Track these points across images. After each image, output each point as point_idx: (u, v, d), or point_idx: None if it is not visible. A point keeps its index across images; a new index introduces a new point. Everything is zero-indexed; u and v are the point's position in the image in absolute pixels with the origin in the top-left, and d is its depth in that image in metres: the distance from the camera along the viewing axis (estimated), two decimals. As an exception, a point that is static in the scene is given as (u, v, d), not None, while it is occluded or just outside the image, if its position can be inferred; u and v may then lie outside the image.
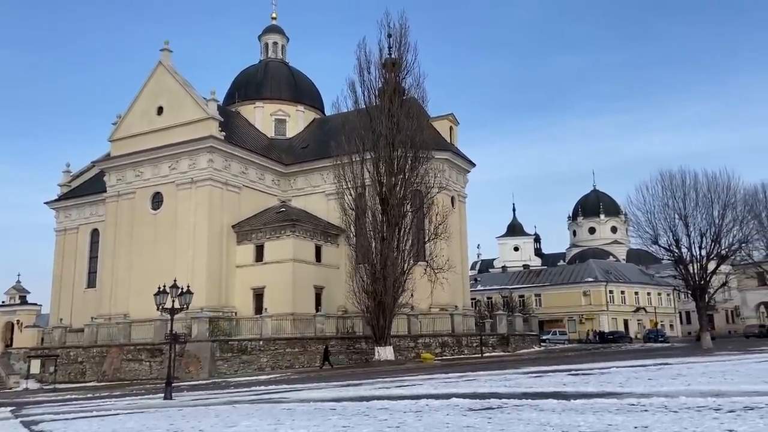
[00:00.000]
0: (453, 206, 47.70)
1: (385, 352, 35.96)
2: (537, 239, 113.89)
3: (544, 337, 62.21)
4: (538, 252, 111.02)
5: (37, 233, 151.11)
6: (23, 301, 48.01)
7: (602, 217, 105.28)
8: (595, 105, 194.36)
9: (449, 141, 50.28)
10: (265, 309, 40.14)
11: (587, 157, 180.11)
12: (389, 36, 38.36)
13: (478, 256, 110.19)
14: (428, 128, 41.94)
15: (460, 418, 11.26)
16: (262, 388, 24.34)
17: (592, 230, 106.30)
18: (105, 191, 47.81)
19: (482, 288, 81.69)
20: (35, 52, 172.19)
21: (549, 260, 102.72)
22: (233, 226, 44.63)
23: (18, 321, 46.33)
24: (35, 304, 48.76)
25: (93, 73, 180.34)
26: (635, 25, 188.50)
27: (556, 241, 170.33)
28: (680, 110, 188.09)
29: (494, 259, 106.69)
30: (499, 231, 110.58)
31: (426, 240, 40.05)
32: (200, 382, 31.85)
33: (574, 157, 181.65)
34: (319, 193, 48.61)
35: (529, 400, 13.34)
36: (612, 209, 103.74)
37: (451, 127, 51.48)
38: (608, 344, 59.66)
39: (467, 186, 52.72)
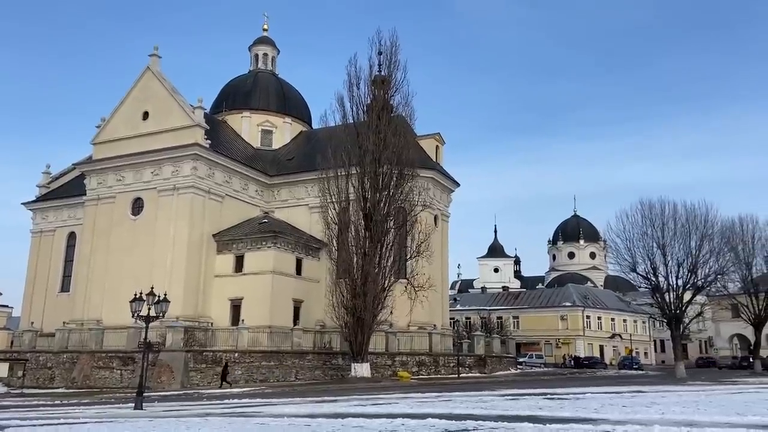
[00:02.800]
0: (436, 225, 47.82)
1: (362, 369, 35.71)
2: (517, 261, 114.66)
3: (520, 360, 62.33)
4: (517, 274, 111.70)
5: (12, 234, 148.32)
6: (-6, 303, 47.03)
7: (582, 242, 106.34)
8: (579, 131, 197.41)
9: (435, 160, 50.57)
10: (242, 320, 39.69)
11: (569, 182, 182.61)
12: (380, 53, 38.68)
13: (458, 276, 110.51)
14: (414, 146, 42.20)
15: (436, 439, 11.20)
16: (236, 401, 24.01)
17: (571, 255, 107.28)
18: (84, 194, 47.13)
19: (461, 308, 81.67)
20: (21, 50, 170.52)
21: (528, 283, 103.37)
22: (214, 235, 44.23)
23: (-13, 323, 45.30)
24: (6, 306, 47.87)
25: (79, 75, 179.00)
26: (624, 56, 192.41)
27: (536, 264, 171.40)
28: (663, 141, 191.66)
29: (474, 280, 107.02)
30: (480, 251, 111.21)
31: (408, 257, 40.06)
32: (172, 392, 31.29)
33: (556, 182, 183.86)
34: (303, 206, 48.48)
35: (505, 423, 13.33)
36: (591, 235, 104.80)
37: (437, 146, 51.82)
38: (583, 369, 59.92)
39: (451, 205, 53.00)
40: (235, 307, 42.49)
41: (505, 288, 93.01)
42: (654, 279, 46.93)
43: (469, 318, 78.96)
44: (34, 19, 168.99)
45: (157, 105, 45.56)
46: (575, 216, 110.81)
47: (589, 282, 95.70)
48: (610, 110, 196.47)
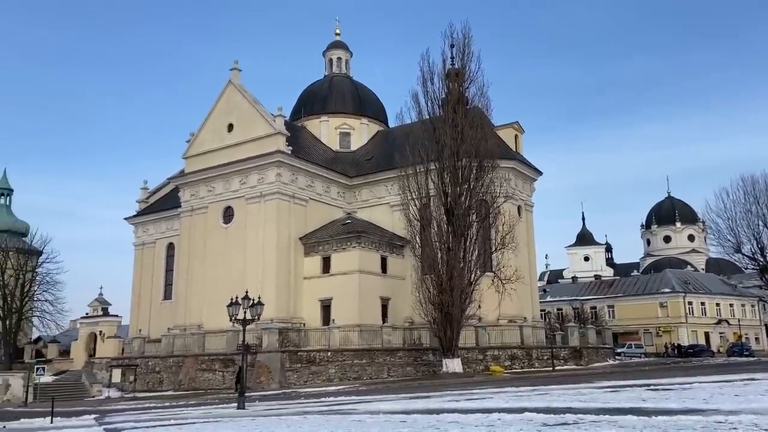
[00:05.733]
0: (520, 215, 46.87)
1: (453, 365, 35.57)
2: (608, 249, 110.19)
3: (618, 351, 59.90)
4: (609, 262, 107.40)
5: (117, 248, 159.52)
6: (105, 313, 50.52)
7: (678, 225, 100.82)
8: (670, 108, 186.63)
9: (515, 149, 49.53)
10: (333, 320, 40.59)
11: (660, 162, 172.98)
12: (452, 46, 38.38)
13: (547, 267, 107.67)
14: (493, 137, 41.55)
15: (534, 433, 10.95)
16: (332, 399, 24.56)
17: (667, 239, 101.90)
18: (180, 206, 49.85)
19: (552, 299, 79.58)
20: (117, 73, 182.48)
21: (622, 270, 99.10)
22: (300, 239, 45.50)
23: (100, 332, 48.79)
24: (116, 316, 51.22)
25: (168, 94, 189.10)
26: (713, 25, 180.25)
27: (629, 251, 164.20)
28: (761, 112, 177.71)
29: (563, 270, 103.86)
30: (568, 240, 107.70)
31: (493, 250, 39.49)
32: (271, 392, 32.47)
33: (647, 163, 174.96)
34: (384, 205, 48.90)
35: (607, 416, 12.84)
36: (688, 217, 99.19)
37: (516, 135, 50.72)
38: (688, 358, 56.75)
39: (534, 195, 51.72)
40: (325, 307, 43.50)
41: (597, 277, 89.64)
42: (762, 259, 43.88)
43: (561, 309, 76.75)
44: (117, 42, 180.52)
45: (240, 116, 47.46)
46: (669, 197, 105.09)
47: (688, 266, 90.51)
48: (699, 84, 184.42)
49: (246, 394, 23.46)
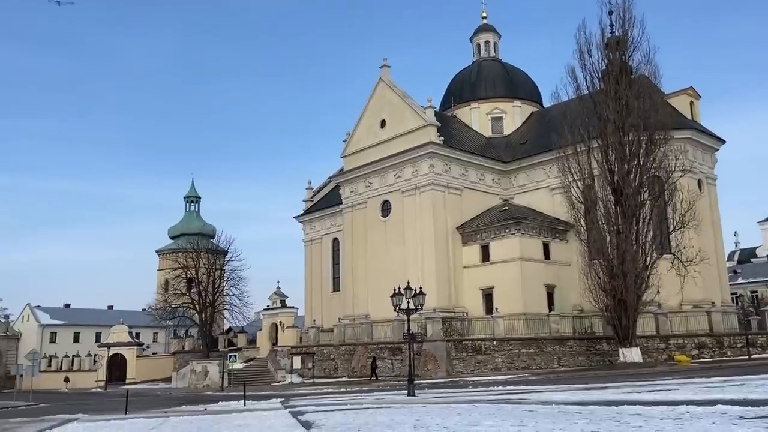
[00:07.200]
0: (701, 190, 42.49)
1: (631, 354, 33.21)
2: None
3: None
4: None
5: (288, 245, 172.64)
6: (283, 305, 54.64)
7: None
8: None
9: (690, 118, 44.90)
10: (496, 309, 40.01)
11: None
12: (611, 13, 35.68)
13: (736, 245, 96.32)
14: (663, 107, 37.93)
15: (729, 427, 9.74)
16: (500, 388, 24.17)
17: None
18: (341, 203, 52.38)
19: (744, 281, 71.47)
20: (282, 82, 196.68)
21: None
22: (457, 228, 45.39)
23: (280, 322, 52.88)
24: (293, 308, 55.21)
25: (327, 98, 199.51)
26: None
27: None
28: None
29: (757, 248, 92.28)
30: (761, 215, 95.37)
31: (670, 230, 36.15)
32: (439, 380, 32.83)
33: None
34: (543, 189, 47.12)
35: (823, 410, 11.04)
36: None
37: (691, 102, 45.92)
38: None
39: (717, 166, 46.54)
40: (487, 296, 43.00)
41: (799, 254, 78.55)
42: None
43: (756, 291, 68.54)
44: (282, 55, 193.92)
45: (391, 112, 48.56)
46: None
47: None
48: None
49: (414, 382, 23.88)
